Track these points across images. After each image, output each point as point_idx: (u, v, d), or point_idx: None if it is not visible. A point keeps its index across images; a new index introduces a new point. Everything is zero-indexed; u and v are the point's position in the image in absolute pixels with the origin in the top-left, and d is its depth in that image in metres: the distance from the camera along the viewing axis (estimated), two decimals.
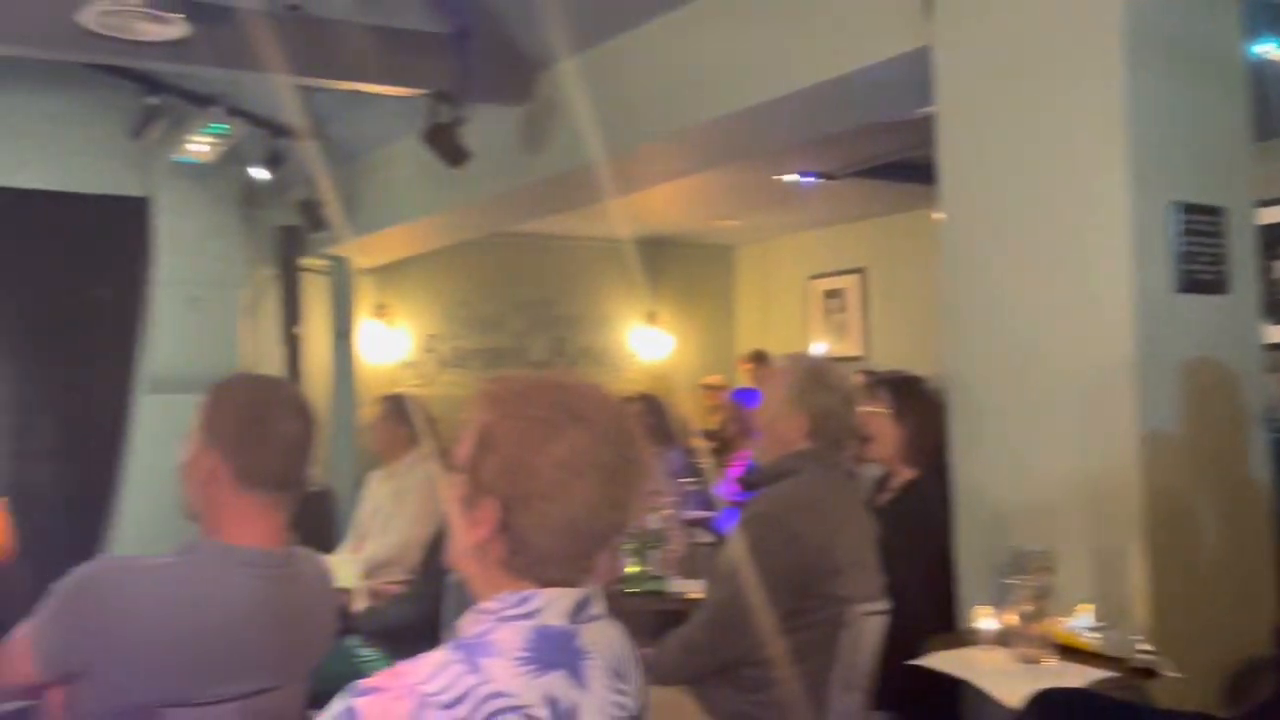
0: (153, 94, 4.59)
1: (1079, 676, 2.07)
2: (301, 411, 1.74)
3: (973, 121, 2.69)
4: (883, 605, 2.44)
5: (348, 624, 3.44)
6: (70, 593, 1.60)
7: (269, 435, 1.68)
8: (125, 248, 5.95)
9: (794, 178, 5.78)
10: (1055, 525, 2.42)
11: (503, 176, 4.59)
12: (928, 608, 2.61)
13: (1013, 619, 2.22)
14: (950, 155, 2.75)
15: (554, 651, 1.13)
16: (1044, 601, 2.20)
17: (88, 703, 1.61)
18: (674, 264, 7.91)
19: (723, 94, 3.55)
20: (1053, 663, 2.16)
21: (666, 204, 6.07)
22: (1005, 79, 2.61)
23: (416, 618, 3.85)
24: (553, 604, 1.15)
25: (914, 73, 2.82)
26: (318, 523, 5.22)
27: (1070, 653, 2.19)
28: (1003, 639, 2.25)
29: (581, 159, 3.96)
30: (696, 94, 3.64)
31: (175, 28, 3.39)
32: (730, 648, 2.32)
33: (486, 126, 4.18)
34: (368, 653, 3.50)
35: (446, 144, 3.98)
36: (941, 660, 2.24)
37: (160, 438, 5.93)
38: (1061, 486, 2.43)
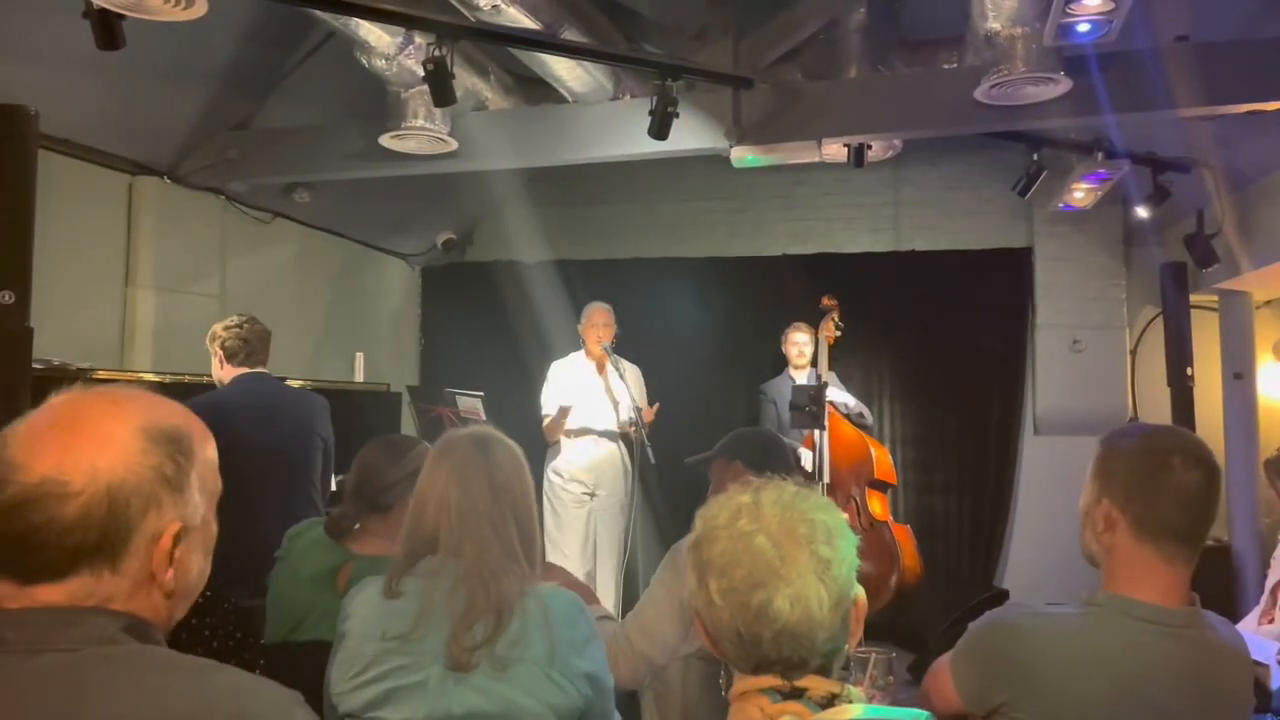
0: (1035, 150, 4.78)
1: None
2: (1201, 462, 1.68)
3: None
4: None
5: (1262, 701, 3.09)
6: (985, 633, 1.75)
7: (1165, 485, 1.66)
8: (1009, 296, 6.34)
9: None
10: None
11: None
12: None
13: None
14: None
15: None
16: None
17: None
18: None
19: None
20: None
21: None
22: None
23: None
24: None
25: None
26: (1218, 582, 4.81)
27: None
28: None
29: None
30: None
31: (1059, 86, 3.52)
32: None
33: None
34: None
35: None
36: None
37: (1045, 478, 6.12)
38: None
